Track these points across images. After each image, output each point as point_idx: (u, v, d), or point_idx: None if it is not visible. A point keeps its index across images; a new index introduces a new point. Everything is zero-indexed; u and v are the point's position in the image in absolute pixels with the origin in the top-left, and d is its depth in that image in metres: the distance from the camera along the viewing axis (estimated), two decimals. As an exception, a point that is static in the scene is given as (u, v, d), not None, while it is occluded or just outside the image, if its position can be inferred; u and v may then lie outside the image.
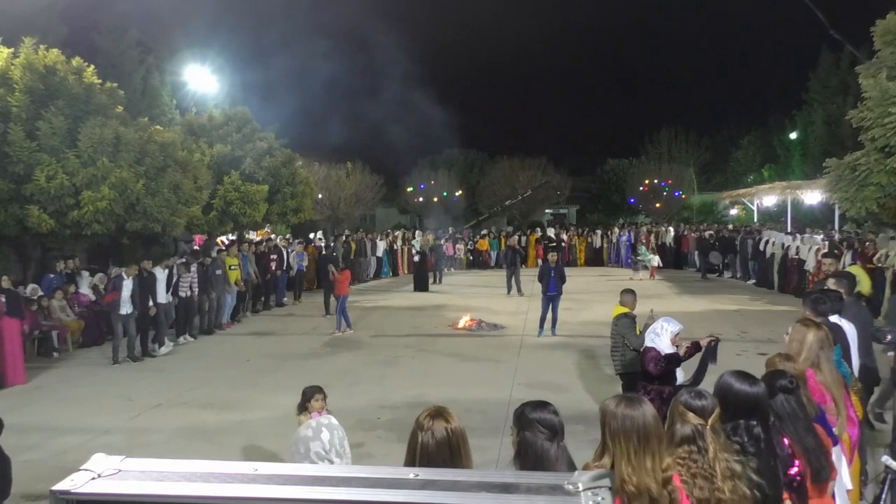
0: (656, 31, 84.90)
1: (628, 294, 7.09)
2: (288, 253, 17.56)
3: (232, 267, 14.19)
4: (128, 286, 11.05)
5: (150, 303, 11.44)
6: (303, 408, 4.46)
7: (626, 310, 6.88)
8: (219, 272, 13.53)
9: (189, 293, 12.75)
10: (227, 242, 19.25)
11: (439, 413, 2.44)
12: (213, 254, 14.60)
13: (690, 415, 2.59)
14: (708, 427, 2.56)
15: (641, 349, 5.69)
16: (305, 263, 18.36)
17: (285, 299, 17.29)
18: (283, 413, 8.04)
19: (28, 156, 11.16)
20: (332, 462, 2.28)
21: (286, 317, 15.61)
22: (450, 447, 2.35)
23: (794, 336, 3.93)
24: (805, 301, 5.00)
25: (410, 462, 2.42)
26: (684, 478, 2.50)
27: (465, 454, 2.39)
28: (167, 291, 12.04)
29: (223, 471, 0.72)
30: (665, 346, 5.47)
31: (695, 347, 5.65)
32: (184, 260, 12.89)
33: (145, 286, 11.39)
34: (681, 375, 5.60)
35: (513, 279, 18.47)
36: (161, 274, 11.84)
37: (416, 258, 20.95)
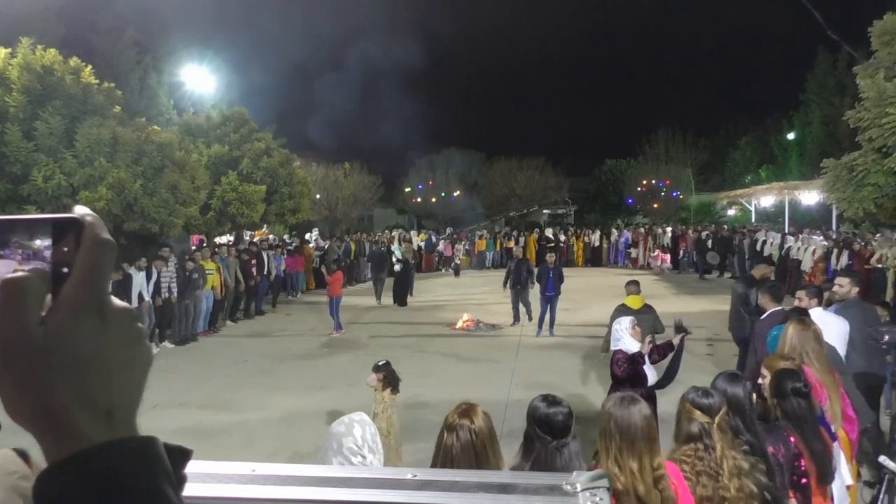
0: (654, 32, 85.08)
1: (630, 285, 7.10)
2: (269, 257, 16.55)
3: (208, 272, 13.33)
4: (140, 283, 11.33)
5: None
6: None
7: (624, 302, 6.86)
8: (195, 276, 12.86)
9: (168, 295, 12.29)
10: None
11: (465, 412, 2.42)
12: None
13: (697, 413, 2.64)
14: (715, 425, 2.60)
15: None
16: (283, 268, 17.71)
17: (264, 307, 16.26)
18: (281, 413, 8.05)
19: (25, 156, 11.14)
20: (364, 457, 2.30)
21: (284, 317, 15.59)
22: (474, 450, 2.33)
23: (784, 332, 4.03)
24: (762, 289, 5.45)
25: (434, 463, 2.41)
26: (688, 475, 2.52)
27: (494, 454, 2.36)
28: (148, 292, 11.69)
29: (220, 471, 0.72)
30: (630, 346, 5.27)
31: (668, 347, 5.56)
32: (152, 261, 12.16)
33: (122, 288, 11.06)
34: (652, 376, 5.38)
35: (519, 302, 13.43)
36: (138, 275, 11.47)
37: (398, 267, 17.61)
